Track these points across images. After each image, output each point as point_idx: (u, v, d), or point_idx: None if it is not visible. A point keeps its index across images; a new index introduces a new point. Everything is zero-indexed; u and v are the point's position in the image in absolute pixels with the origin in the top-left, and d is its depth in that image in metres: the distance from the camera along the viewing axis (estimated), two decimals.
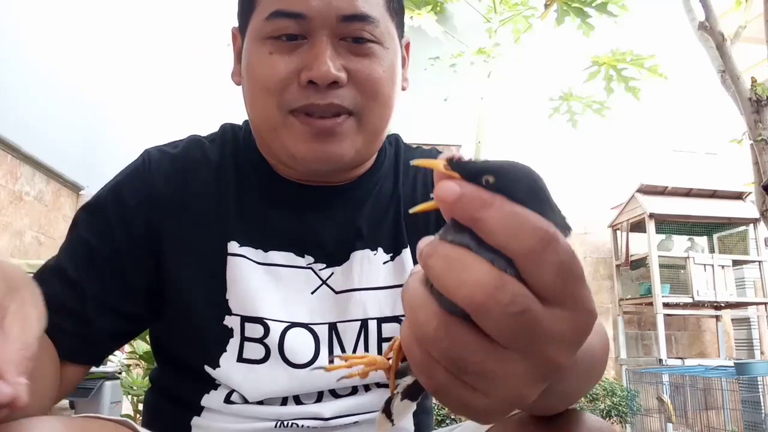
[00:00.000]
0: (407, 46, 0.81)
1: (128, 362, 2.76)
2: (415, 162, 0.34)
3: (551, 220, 0.29)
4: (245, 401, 0.72)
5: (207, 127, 0.84)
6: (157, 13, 4.02)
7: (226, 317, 0.72)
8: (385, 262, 0.77)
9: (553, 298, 0.29)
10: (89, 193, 3.64)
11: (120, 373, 2.81)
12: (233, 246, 0.73)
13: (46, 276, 0.69)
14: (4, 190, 2.93)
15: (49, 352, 0.64)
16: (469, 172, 0.30)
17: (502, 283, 0.28)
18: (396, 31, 0.75)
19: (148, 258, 0.72)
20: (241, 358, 0.72)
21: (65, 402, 3.25)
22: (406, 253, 0.78)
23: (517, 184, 0.30)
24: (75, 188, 3.64)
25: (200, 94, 3.73)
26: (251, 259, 0.73)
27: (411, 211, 0.33)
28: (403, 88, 0.79)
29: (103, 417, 0.57)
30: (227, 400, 0.72)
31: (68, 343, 0.67)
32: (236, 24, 0.78)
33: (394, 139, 0.87)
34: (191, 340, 0.74)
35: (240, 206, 0.76)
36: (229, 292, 0.72)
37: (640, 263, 4.13)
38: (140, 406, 2.45)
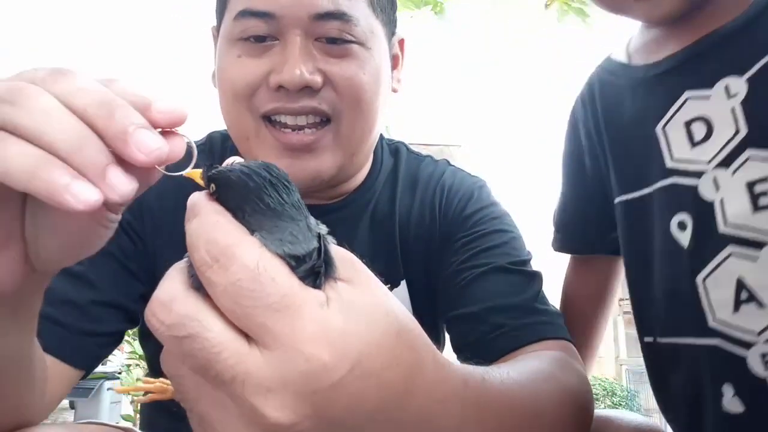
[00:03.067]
0: (401, 43, 0.74)
1: (128, 362, 2.76)
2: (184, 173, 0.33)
3: (263, 232, 0.27)
4: None
5: (210, 128, 0.83)
6: (158, 14, 4.02)
7: None
8: None
9: (248, 331, 0.25)
10: None
11: (120, 373, 2.81)
12: None
13: None
14: None
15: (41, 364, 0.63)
16: (209, 180, 0.30)
17: (168, 303, 0.26)
18: (383, 29, 0.68)
19: (146, 265, 0.70)
20: None
21: (65, 402, 3.24)
22: (403, 286, 0.71)
23: (231, 192, 0.29)
24: None
25: (202, 95, 3.73)
26: None
27: None
28: (395, 90, 0.73)
29: (106, 423, 0.56)
30: None
31: (66, 341, 0.64)
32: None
33: (395, 148, 0.79)
34: None
35: None
36: None
37: None
38: (140, 406, 2.44)
